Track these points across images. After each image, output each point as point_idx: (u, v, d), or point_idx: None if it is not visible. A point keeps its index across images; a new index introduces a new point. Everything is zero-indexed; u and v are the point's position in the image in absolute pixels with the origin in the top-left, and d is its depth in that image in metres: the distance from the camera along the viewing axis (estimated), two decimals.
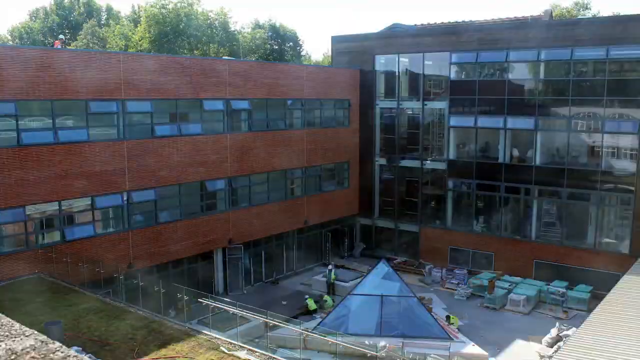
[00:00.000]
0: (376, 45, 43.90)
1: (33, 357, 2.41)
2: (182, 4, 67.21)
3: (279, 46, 77.49)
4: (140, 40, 64.14)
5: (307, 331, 27.09)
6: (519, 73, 39.50)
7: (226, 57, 44.30)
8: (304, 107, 39.67)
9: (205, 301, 25.80)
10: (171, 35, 63.71)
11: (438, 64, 41.56)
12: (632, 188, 34.84)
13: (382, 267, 31.10)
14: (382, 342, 25.80)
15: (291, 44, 79.69)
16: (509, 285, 35.85)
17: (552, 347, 28.12)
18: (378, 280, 30.51)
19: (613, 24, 35.43)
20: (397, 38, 43.56)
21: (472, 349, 27.35)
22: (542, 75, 37.77)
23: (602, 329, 20.65)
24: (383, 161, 44.91)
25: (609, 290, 26.32)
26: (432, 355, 26.13)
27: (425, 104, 42.17)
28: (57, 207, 26.96)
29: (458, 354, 26.50)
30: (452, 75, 40.76)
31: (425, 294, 35.34)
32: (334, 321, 28.82)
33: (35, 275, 25.47)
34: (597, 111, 35.51)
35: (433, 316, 29.24)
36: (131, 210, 29.97)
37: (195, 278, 34.28)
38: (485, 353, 27.12)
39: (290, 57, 77.12)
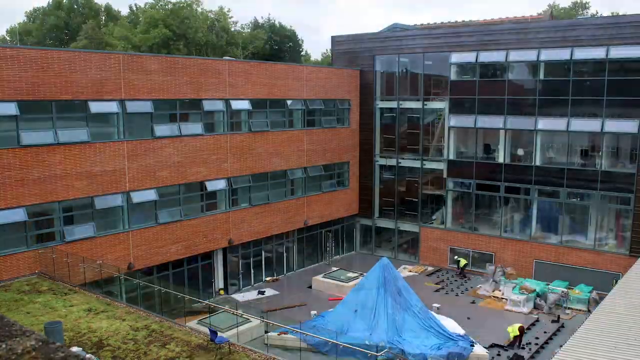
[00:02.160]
0: (376, 46, 43.90)
1: (33, 357, 2.39)
2: (182, 4, 67.21)
3: (278, 46, 77.41)
4: (140, 42, 64.08)
5: (307, 332, 27.06)
6: (519, 73, 39.51)
7: (226, 57, 44.26)
8: (304, 107, 39.66)
9: (205, 302, 25.82)
10: (172, 37, 63.66)
11: (438, 64, 41.57)
12: (632, 188, 34.83)
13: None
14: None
15: (291, 44, 79.62)
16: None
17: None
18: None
19: (613, 24, 35.43)
20: (397, 38, 43.55)
21: (472, 348, 27.28)
22: (541, 76, 37.74)
23: (602, 329, 20.63)
24: (383, 161, 44.91)
25: (609, 291, 26.32)
26: (432, 355, 26.12)
27: (425, 104, 42.19)
28: (57, 208, 26.95)
29: (458, 352, 26.44)
30: (452, 76, 40.75)
31: None
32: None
33: (35, 275, 25.47)
34: (597, 111, 35.50)
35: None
36: (131, 211, 29.95)
37: (195, 278, 34.29)
38: (486, 353, 27.09)
39: (290, 57, 77.06)
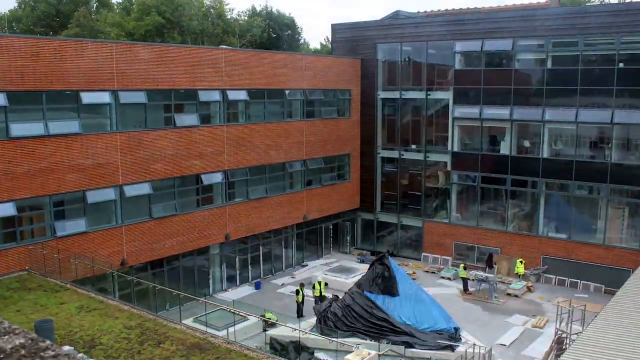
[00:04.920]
0: (378, 34, 43.80)
1: (23, 356, 2.37)
2: None
3: (276, 34, 77.27)
4: (133, 29, 63.93)
5: (306, 330, 27.10)
6: (526, 62, 39.44)
7: (223, 46, 44.19)
8: (304, 97, 39.61)
9: (202, 299, 25.82)
10: (166, 25, 63.51)
11: (442, 53, 41.50)
12: None
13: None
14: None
15: (289, 32, 79.45)
16: None
17: None
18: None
19: (624, 11, 35.33)
20: (399, 26, 43.46)
21: (476, 347, 27.32)
22: (549, 65, 37.67)
23: (612, 327, 20.64)
24: (385, 153, 44.88)
25: (618, 287, 26.31)
26: (436, 354, 26.16)
27: (429, 94, 42.12)
28: (48, 202, 26.93)
29: (462, 351, 26.47)
30: (457, 65, 40.68)
31: None
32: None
33: (25, 272, 25.45)
34: (607, 101, 35.45)
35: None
36: (124, 205, 29.92)
37: (191, 275, 34.29)
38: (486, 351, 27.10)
39: (288, 46, 76.91)
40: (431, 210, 43.56)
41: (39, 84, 25.86)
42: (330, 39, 49.56)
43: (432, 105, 42.67)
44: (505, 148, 39.63)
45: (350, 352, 20.45)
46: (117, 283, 29.37)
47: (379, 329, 27.49)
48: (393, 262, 30.73)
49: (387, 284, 28.94)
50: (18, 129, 25.53)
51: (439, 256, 42.00)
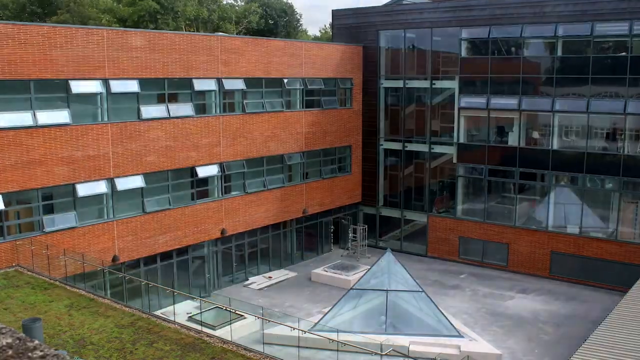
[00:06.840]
0: (380, 20, 43.69)
1: (10, 357, 2.34)
2: None
3: (274, 21, 77.18)
4: (125, 15, 63.85)
5: (306, 330, 27.12)
6: (535, 50, 39.37)
7: (219, 33, 44.10)
8: (303, 86, 39.52)
9: (197, 297, 25.83)
10: (160, 11, 63.43)
11: (447, 40, 41.38)
12: None
13: (388, 259, 31.04)
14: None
15: (287, 18, 79.38)
16: None
17: None
18: (383, 273, 30.49)
19: None
20: (403, 12, 43.34)
21: (483, 347, 27.40)
22: (559, 53, 37.58)
23: (624, 327, 20.65)
24: (388, 145, 44.82)
25: (631, 285, 26.33)
26: (441, 355, 26.20)
27: (434, 84, 42.05)
28: (36, 195, 26.89)
29: (469, 352, 26.53)
30: (463, 53, 40.59)
31: None
32: (334, 318, 28.83)
33: (12, 268, 25.45)
34: (620, 91, 35.38)
35: (443, 313, 29.26)
36: (116, 199, 29.88)
37: (186, 271, 34.30)
38: (499, 352, 27.18)
39: (287, 33, 76.84)
40: (436, 205, 43.57)
41: (27, 72, 25.78)
42: (330, 26, 49.46)
43: (437, 94, 42.62)
44: (513, 139, 39.60)
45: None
46: (109, 280, 29.37)
47: None
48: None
49: None
50: (5, 119, 25.46)
51: (444, 253, 42.04)
